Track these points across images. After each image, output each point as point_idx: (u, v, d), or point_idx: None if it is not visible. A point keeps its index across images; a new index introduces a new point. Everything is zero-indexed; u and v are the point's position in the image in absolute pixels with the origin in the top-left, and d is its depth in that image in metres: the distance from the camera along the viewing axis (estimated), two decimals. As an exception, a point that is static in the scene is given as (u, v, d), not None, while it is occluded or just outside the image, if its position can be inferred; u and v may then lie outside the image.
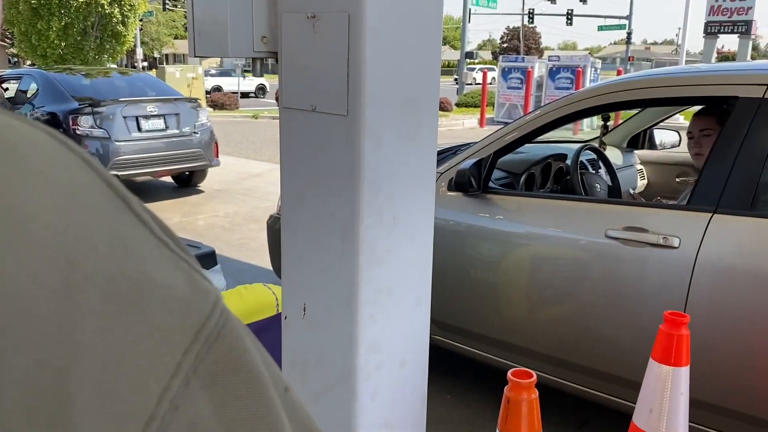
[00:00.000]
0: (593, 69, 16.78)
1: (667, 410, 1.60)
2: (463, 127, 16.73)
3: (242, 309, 2.12)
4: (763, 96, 2.18)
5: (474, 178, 2.70)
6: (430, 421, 2.93)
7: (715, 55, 33.26)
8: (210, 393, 0.27)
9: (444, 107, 20.77)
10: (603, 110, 2.60)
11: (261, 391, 0.29)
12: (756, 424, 2.10)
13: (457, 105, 22.16)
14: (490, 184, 2.86)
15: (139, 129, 7.20)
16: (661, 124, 3.99)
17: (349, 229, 1.38)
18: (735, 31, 31.39)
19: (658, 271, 2.27)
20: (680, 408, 1.62)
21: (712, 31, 32.21)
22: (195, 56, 1.51)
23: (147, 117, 7.28)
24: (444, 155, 3.34)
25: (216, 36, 1.44)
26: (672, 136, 4.15)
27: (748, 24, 30.33)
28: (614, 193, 3.14)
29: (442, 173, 2.97)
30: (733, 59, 36.94)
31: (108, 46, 21.99)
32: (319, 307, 1.50)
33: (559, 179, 3.20)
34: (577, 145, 3.12)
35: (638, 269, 2.32)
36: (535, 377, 1.31)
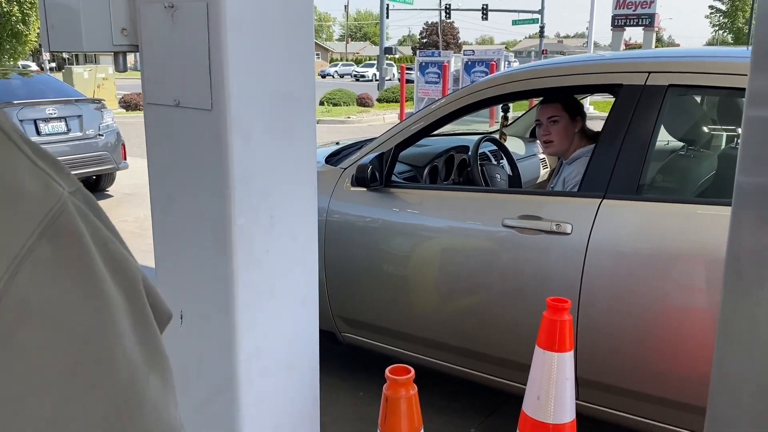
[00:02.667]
0: (507, 62, 17.16)
1: (554, 396, 1.62)
2: (384, 122, 16.78)
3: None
4: (645, 83, 2.25)
5: (376, 172, 2.67)
6: (344, 419, 2.90)
7: (622, 47, 34.85)
8: (42, 274, 0.34)
9: (365, 103, 20.81)
10: (502, 100, 2.63)
11: (90, 277, 0.36)
12: (645, 400, 2.17)
13: (378, 100, 22.24)
14: (393, 177, 2.84)
15: (38, 133, 6.81)
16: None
17: (221, 229, 1.32)
18: (640, 23, 32.95)
19: (553, 258, 2.31)
20: (567, 393, 1.64)
21: (619, 24, 33.68)
22: (50, 51, 1.40)
23: (46, 120, 6.90)
24: (349, 150, 3.30)
25: (70, 29, 1.34)
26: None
27: (652, 17, 31.89)
28: (515, 183, 3.19)
29: (345, 168, 2.93)
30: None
31: (8, 47, 20.78)
32: (196, 314, 1.42)
33: (462, 171, 3.23)
34: (478, 137, 3.15)
35: (535, 257, 2.35)
36: (412, 373, 1.29)
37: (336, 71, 57.74)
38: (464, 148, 3.30)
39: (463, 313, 2.56)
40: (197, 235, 1.36)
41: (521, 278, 2.38)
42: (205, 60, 1.25)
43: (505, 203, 2.47)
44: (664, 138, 2.44)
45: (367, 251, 2.79)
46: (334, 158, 3.20)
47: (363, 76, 50.41)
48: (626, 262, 2.18)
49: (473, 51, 17.68)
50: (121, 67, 1.47)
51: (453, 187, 2.72)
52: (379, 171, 2.68)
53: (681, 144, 2.62)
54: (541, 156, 4.06)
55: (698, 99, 2.81)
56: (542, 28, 39.26)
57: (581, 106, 2.75)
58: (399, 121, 17.16)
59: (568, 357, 1.68)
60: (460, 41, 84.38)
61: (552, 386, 1.63)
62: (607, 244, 2.20)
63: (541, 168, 3.98)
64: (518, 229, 2.37)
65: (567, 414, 1.65)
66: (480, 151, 3.22)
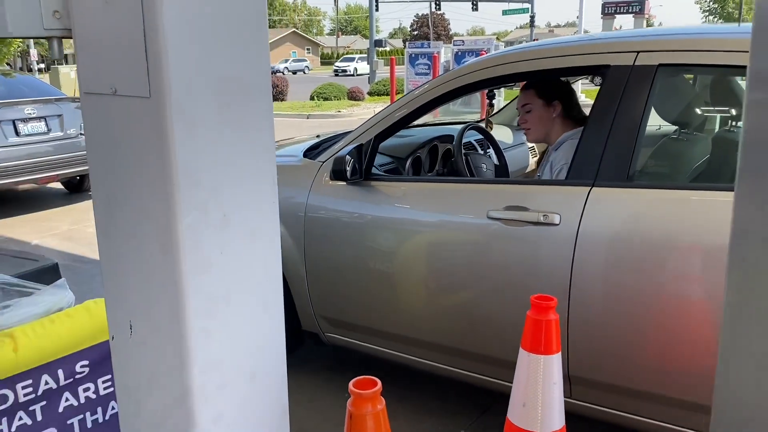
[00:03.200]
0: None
1: (541, 402, 1.51)
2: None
3: (90, 327, 1.88)
4: (634, 63, 2.12)
5: (355, 164, 2.54)
6: (329, 423, 2.78)
7: (613, 35, 34.75)
8: None
9: (356, 96, 20.65)
10: (485, 85, 2.50)
11: None
12: (641, 398, 2.05)
13: (369, 94, 22.08)
14: (374, 170, 2.72)
15: (17, 133, 6.65)
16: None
17: (167, 229, 1.19)
18: (630, 11, 32.92)
19: (541, 250, 2.19)
20: (554, 399, 1.52)
21: (609, 11, 33.66)
22: (-24, 38, 1.26)
23: (25, 120, 6.74)
24: (329, 143, 3.17)
25: (-7, 12, 1.20)
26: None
27: (642, 3, 31.85)
28: (502, 173, 3.07)
29: (323, 162, 2.80)
30: (630, 38, 38.55)
31: (-8, 48, 20.52)
32: (145, 324, 1.29)
33: (447, 162, 3.10)
34: (462, 126, 3.03)
35: (522, 250, 2.23)
36: (379, 386, 1.17)
37: (286, 67, 55.31)
38: (449, 138, 3.17)
39: (449, 310, 2.44)
40: (142, 236, 1.24)
41: (509, 273, 2.26)
42: (141, 42, 1.12)
43: (490, 194, 2.35)
44: (656, 122, 2.31)
45: (350, 248, 2.67)
46: (312, 152, 3.07)
47: (344, 71, 49.05)
48: (619, 253, 2.06)
49: (463, 41, 17.53)
50: (56, 54, 1.33)
51: (436, 179, 2.59)
52: (359, 163, 2.56)
53: (673, 127, 2.50)
54: (530, 144, 3.94)
55: (689, 79, 2.69)
56: (533, 17, 39.13)
57: (562, 90, 2.63)
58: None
59: (556, 359, 1.57)
60: (451, 33, 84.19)
61: (539, 391, 1.51)
62: (597, 235, 2.09)
63: (530, 157, 3.86)
64: (504, 221, 2.25)
65: (556, 421, 1.53)
66: (465, 140, 3.09)
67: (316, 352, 3.36)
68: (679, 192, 2.01)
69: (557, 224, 2.14)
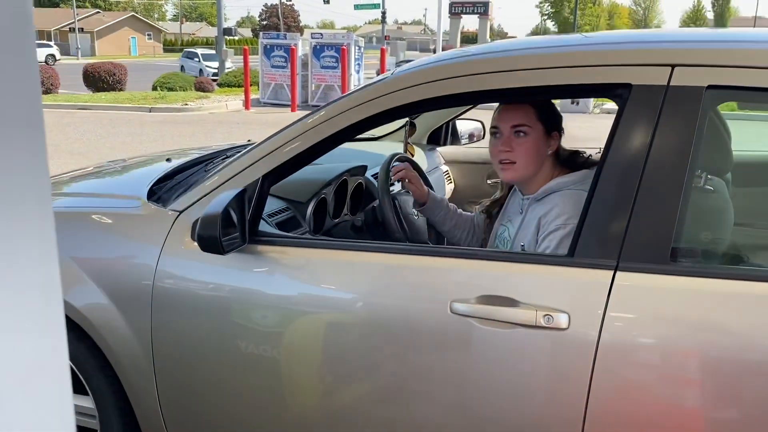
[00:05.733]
0: (357, 47, 16.36)
1: None
2: (227, 110, 15.29)
3: None
4: (669, 83, 1.41)
5: (235, 222, 1.62)
6: None
7: (459, 35, 35.63)
8: None
9: (204, 88, 19.02)
10: (429, 106, 1.69)
11: None
12: None
13: (219, 85, 20.50)
14: (263, 224, 1.82)
15: None
16: (464, 114, 3.25)
17: None
18: (475, 11, 33.95)
19: (540, 369, 1.43)
20: None
21: (455, 11, 34.51)
22: None
23: None
24: (187, 175, 2.20)
25: None
26: (476, 127, 3.45)
27: (486, 5, 32.94)
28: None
29: (180, 212, 1.84)
30: (475, 39, 39.72)
31: None
32: None
33: (360, 202, 2.27)
34: (385, 157, 2.13)
35: (509, 367, 1.45)
36: None
37: (52, 54, 41.79)
38: (360, 170, 2.34)
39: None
40: None
41: (486, 403, 1.48)
42: None
43: (451, 274, 1.55)
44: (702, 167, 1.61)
45: (223, 339, 1.76)
46: (162, 189, 2.09)
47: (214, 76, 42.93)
48: (661, 375, 1.35)
49: (321, 34, 16.70)
50: None
51: (361, 245, 1.73)
52: (239, 219, 1.64)
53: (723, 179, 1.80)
54: (444, 167, 3.19)
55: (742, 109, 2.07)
56: (384, 13, 39.26)
57: (560, 118, 1.88)
58: (244, 109, 15.71)
59: None
60: (301, 24, 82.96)
61: None
62: (628, 348, 1.36)
63: (446, 183, 3.12)
64: (479, 320, 1.46)
65: None
66: (372, 171, 2.27)
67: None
68: (754, 284, 1.33)
69: (565, 329, 1.38)
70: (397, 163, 2.08)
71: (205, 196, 1.80)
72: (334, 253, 1.70)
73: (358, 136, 3.19)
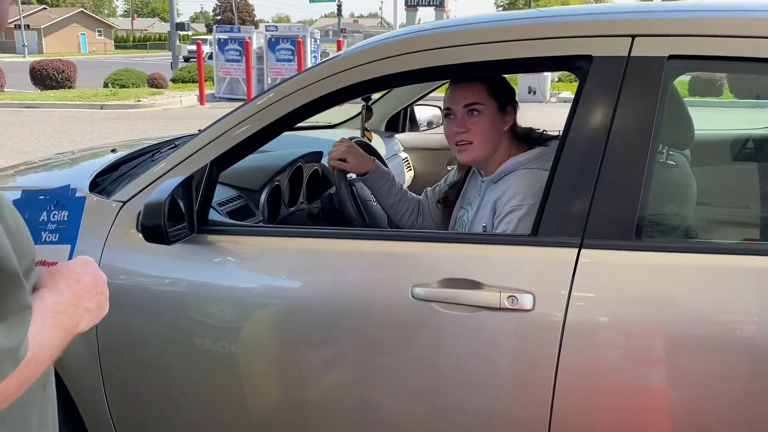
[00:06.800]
0: (312, 39, 16.19)
1: None
2: (182, 105, 14.96)
3: None
4: (629, 53, 1.37)
5: (181, 211, 1.53)
6: None
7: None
8: None
9: (158, 84, 18.57)
10: (383, 84, 1.62)
11: None
12: None
13: (173, 81, 20.03)
14: (213, 212, 1.72)
15: None
16: (422, 100, 3.19)
17: None
18: (431, 3, 34.04)
19: (505, 353, 1.38)
20: None
21: (411, 3, 34.54)
22: None
23: None
24: (132, 166, 2.09)
25: None
26: (434, 114, 3.39)
27: (442, -3, 33.01)
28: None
29: (125, 202, 1.73)
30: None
31: None
32: None
33: (317, 190, 2.18)
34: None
35: (472, 352, 1.40)
36: None
37: None
38: (316, 156, 2.25)
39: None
40: None
41: (455, 390, 1.43)
42: None
43: (411, 258, 1.48)
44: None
45: (174, 336, 1.66)
46: (105, 181, 1.98)
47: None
48: (629, 355, 1.31)
49: (276, 27, 16.46)
50: None
51: (315, 231, 1.65)
52: (187, 208, 1.55)
53: (683, 153, 1.78)
54: (403, 154, 3.12)
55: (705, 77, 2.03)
56: (340, 6, 39.03)
57: (513, 92, 1.82)
58: (199, 104, 15.35)
59: None
60: (255, 19, 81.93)
61: None
62: (595, 328, 1.32)
63: (405, 171, 3.05)
64: (441, 304, 1.40)
65: None
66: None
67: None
68: (719, 257, 1.30)
69: (530, 310, 1.34)
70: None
71: (150, 184, 1.70)
72: (289, 241, 1.61)
73: (314, 124, 3.12)
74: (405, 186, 2.99)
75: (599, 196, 1.35)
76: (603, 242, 1.33)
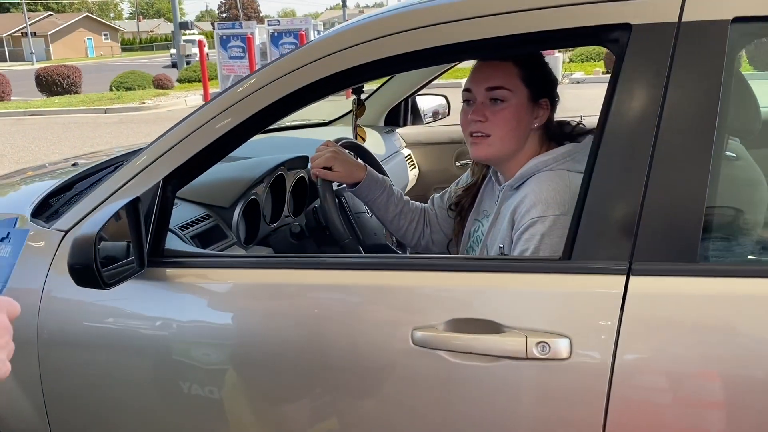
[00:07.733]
0: (316, 32, 15.84)
1: None
2: (186, 106, 14.73)
3: None
4: (680, 18, 1.05)
5: (126, 245, 1.24)
6: None
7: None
8: None
9: (163, 84, 18.37)
10: (373, 73, 1.30)
11: None
12: None
13: (179, 81, 19.82)
14: (171, 237, 1.43)
15: None
16: (425, 89, 2.86)
17: None
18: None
19: (533, 413, 1.07)
20: None
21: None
22: None
23: None
24: (85, 186, 1.80)
25: None
26: (440, 103, 3.07)
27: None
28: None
29: (66, 231, 1.44)
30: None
31: None
32: None
33: (303, 202, 1.88)
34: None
35: (490, 413, 1.09)
36: None
37: None
38: (300, 161, 1.95)
39: None
40: None
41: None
42: None
43: (408, 292, 1.17)
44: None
45: (128, 384, 1.38)
46: (58, 202, 1.69)
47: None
48: (696, 412, 1.00)
49: (278, 21, 16.15)
50: None
51: (290, 261, 1.34)
52: (135, 237, 1.25)
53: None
54: (405, 151, 2.80)
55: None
56: (344, -2, 38.83)
57: (554, 82, 1.45)
58: (204, 102, 14.96)
59: None
60: (261, 14, 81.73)
61: None
62: (652, 378, 1.01)
63: (409, 169, 2.73)
64: (450, 352, 1.09)
65: None
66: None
67: None
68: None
69: (566, 358, 1.03)
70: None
71: (93, 210, 1.41)
72: (263, 274, 1.31)
73: (302, 123, 2.81)
74: (409, 187, 2.69)
75: (650, 204, 1.03)
76: (658, 266, 1.02)
